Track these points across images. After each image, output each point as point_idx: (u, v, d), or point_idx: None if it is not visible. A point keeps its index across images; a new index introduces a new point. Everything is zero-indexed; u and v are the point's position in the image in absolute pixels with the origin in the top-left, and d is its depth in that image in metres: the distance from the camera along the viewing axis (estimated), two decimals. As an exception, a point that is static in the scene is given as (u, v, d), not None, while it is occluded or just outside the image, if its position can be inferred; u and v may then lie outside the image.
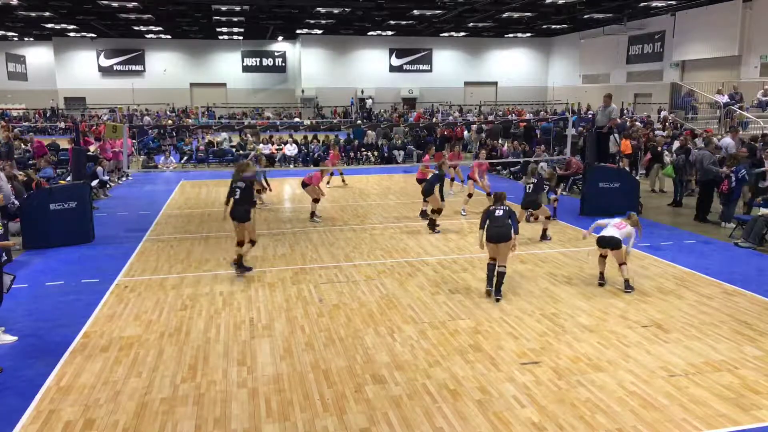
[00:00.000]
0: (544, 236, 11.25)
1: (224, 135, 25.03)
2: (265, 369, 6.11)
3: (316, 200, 13.37)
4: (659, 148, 16.27)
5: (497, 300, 7.97)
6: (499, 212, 8.16)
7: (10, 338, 6.82)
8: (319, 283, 8.83)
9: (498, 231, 8.00)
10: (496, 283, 8.06)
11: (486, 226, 8.12)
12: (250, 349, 6.60)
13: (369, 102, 42.78)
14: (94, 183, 15.67)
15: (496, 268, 8.07)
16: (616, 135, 15.35)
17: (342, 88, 43.97)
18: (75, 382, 5.85)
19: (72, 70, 44.18)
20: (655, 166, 16.41)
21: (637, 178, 15.43)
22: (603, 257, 8.70)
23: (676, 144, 17.16)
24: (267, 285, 8.77)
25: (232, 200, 8.98)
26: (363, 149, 23.84)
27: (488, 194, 14.30)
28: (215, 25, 37.59)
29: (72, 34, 40.61)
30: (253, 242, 9.27)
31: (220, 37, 44.26)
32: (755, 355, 6.35)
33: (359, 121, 35.31)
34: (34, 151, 19.12)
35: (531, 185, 11.23)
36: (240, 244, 9.14)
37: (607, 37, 36.65)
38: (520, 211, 10.91)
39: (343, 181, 18.56)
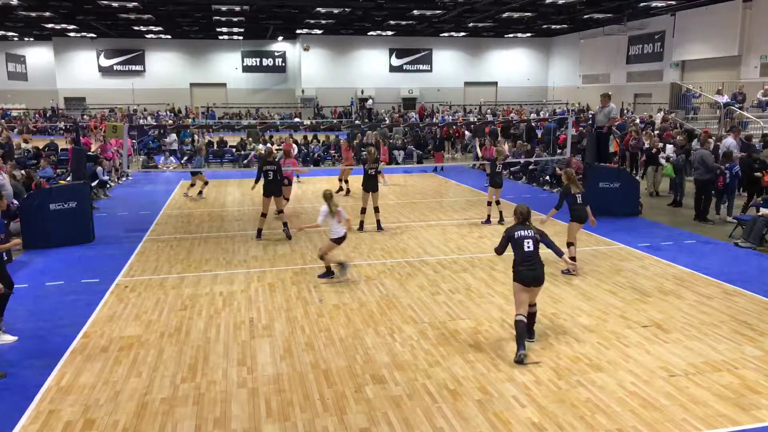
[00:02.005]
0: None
1: (173, 137, 24.72)
2: (265, 369, 6.11)
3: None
4: (654, 150, 16.18)
5: (530, 340, 6.54)
6: (528, 246, 6.31)
7: (10, 338, 6.83)
8: (319, 283, 8.83)
9: (534, 274, 6.26)
10: (529, 323, 6.57)
11: (514, 262, 6.37)
12: (250, 349, 6.60)
13: (369, 102, 42.79)
14: (94, 183, 15.67)
15: (529, 307, 6.47)
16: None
17: (342, 88, 43.99)
18: (75, 382, 5.85)
19: (72, 70, 44.17)
20: (649, 168, 16.28)
21: (637, 178, 15.42)
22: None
23: (662, 145, 17.06)
24: (267, 285, 8.77)
25: (263, 180, 11.19)
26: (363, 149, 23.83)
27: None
28: (215, 25, 37.59)
29: (72, 34, 40.61)
30: (281, 211, 11.66)
31: (220, 37, 44.26)
32: (755, 355, 6.35)
33: (356, 121, 35.31)
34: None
35: (580, 195, 9.12)
36: (264, 215, 11.44)
37: (607, 37, 36.67)
38: (566, 251, 8.32)
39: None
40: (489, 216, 12.60)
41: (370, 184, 11.87)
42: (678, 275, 9.12)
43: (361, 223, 12.14)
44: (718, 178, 12.54)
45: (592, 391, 5.60)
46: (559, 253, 6.66)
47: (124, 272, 9.47)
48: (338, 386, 5.74)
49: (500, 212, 12.51)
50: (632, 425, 5.04)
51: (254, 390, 5.69)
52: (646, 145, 17.64)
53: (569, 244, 9.14)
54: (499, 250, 6.55)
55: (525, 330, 6.32)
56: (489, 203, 12.58)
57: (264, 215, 11.52)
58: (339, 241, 8.87)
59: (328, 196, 8.77)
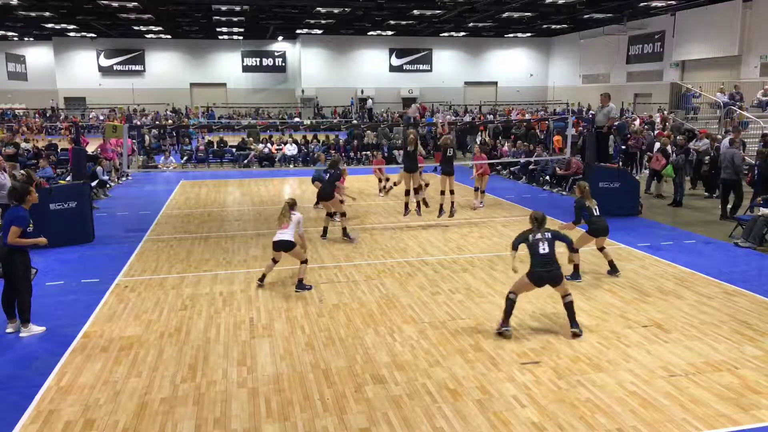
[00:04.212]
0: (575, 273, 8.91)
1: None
2: (265, 369, 6.11)
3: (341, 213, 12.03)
4: (668, 149, 15.96)
5: (576, 335, 6.73)
6: (544, 248, 6.61)
7: (37, 329, 7.01)
8: (319, 283, 8.83)
9: (548, 273, 6.63)
10: (569, 314, 6.80)
11: (531, 263, 6.69)
12: (250, 349, 6.60)
13: (369, 102, 42.81)
14: (94, 183, 15.66)
15: (563, 299, 6.83)
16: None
17: (342, 88, 43.99)
18: (75, 382, 5.85)
19: (72, 70, 44.18)
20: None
21: (637, 178, 15.39)
22: (274, 261, 8.67)
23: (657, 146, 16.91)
24: (267, 285, 8.76)
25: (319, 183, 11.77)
26: (362, 150, 23.84)
27: (475, 189, 14.74)
28: (215, 25, 37.60)
29: (72, 34, 40.61)
30: (333, 214, 11.74)
31: (220, 37, 44.27)
32: (755, 355, 6.35)
33: (355, 121, 35.29)
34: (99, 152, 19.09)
35: (596, 207, 8.92)
36: (330, 215, 11.73)
37: (607, 37, 36.67)
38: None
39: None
40: (441, 206, 12.54)
41: (413, 165, 11.93)
42: (678, 275, 9.12)
43: (406, 205, 12.30)
44: (747, 176, 12.68)
45: (592, 391, 5.60)
46: (572, 248, 7.09)
47: (124, 272, 9.47)
48: (338, 386, 5.74)
49: (452, 203, 12.48)
50: (632, 425, 5.04)
51: (254, 390, 5.69)
52: (656, 146, 17.48)
53: (575, 250, 8.77)
54: (514, 246, 6.89)
55: (513, 307, 6.72)
56: (442, 192, 12.45)
57: (329, 214, 11.77)
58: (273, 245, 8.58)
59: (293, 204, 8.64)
